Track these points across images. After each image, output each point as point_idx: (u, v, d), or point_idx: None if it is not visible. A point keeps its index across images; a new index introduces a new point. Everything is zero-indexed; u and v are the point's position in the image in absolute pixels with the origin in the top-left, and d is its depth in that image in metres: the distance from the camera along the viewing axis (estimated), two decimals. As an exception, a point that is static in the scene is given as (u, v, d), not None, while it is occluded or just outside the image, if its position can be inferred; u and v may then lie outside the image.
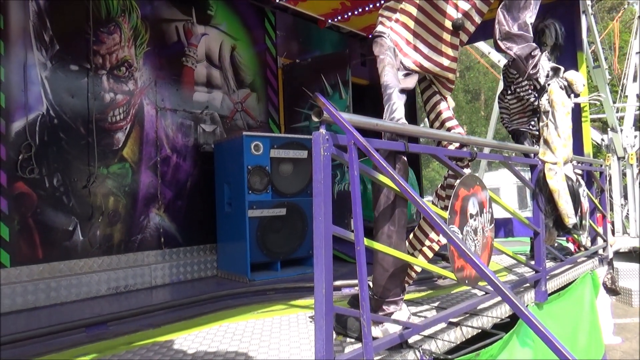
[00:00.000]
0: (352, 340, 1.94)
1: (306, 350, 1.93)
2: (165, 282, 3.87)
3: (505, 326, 2.31)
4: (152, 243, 3.89)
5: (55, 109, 3.40)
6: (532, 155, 3.01)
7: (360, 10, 5.37)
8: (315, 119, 1.51)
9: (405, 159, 1.97)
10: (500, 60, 11.49)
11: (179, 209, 4.12)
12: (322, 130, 1.45)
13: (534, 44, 2.25)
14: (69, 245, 3.40)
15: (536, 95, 3.44)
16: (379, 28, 2.12)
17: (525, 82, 3.53)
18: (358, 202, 1.52)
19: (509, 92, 3.68)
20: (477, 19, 2.10)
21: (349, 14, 5.47)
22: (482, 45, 12.61)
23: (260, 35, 5.06)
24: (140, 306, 2.84)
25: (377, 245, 1.74)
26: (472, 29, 2.11)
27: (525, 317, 1.49)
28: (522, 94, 3.55)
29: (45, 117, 3.35)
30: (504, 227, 5.52)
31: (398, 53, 2.06)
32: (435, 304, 2.56)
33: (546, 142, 2.97)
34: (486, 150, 7.80)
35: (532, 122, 3.64)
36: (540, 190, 2.86)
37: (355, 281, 1.53)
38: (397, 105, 1.95)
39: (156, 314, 2.77)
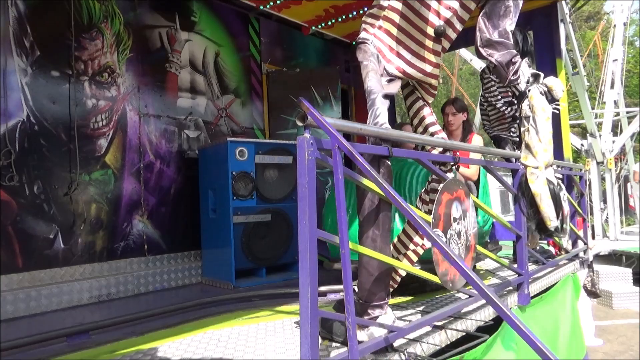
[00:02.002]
0: (338, 344, 1.94)
1: (292, 355, 1.92)
2: (148, 289, 3.81)
3: (489, 329, 2.33)
4: (135, 250, 3.84)
5: (36, 116, 3.35)
6: (514, 159, 3.06)
7: (343, 17, 5.41)
8: (299, 124, 1.52)
9: (389, 163, 1.99)
10: (482, 67, 11.65)
11: (163, 216, 4.08)
12: (307, 135, 1.46)
13: (515, 51, 2.29)
14: (49, 254, 3.34)
15: (514, 101, 3.49)
16: (363, 35, 2.14)
17: (495, 88, 3.57)
18: (343, 206, 1.52)
19: (483, 99, 3.73)
20: (459, 26, 2.14)
21: (333, 20, 5.50)
22: (464, 53, 12.78)
23: (245, 41, 5.06)
24: (123, 314, 2.80)
25: (361, 249, 1.75)
26: (453, 36, 2.15)
27: (509, 319, 1.50)
28: (490, 99, 3.59)
29: (25, 123, 3.29)
30: (487, 232, 5.56)
31: (381, 59, 2.08)
32: (420, 308, 2.57)
33: (528, 147, 3.01)
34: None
35: (512, 129, 3.69)
36: (523, 194, 2.90)
37: (341, 286, 1.54)
38: (380, 110, 1.97)
39: (140, 322, 2.73)
